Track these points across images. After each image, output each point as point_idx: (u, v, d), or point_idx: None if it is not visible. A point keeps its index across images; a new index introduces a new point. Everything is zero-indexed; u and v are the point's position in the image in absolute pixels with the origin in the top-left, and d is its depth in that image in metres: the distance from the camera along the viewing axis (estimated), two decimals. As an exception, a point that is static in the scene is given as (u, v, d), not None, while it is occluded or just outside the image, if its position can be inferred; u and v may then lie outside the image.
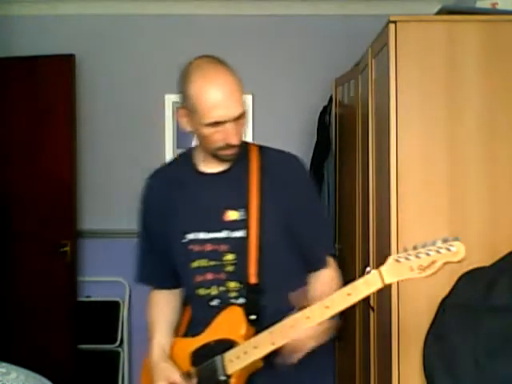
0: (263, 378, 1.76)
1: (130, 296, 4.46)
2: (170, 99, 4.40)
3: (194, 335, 1.86)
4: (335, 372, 1.97)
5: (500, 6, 2.52)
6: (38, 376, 1.82)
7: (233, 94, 1.71)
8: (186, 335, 1.93)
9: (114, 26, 4.50)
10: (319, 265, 1.85)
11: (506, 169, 2.35)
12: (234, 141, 1.73)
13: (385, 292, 2.40)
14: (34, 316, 4.25)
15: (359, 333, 3.12)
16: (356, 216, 3.16)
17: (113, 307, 4.47)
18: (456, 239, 1.47)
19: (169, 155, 4.40)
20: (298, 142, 4.34)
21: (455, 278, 2.28)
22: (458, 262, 1.48)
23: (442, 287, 2.28)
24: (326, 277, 1.84)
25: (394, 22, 2.34)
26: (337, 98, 3.92)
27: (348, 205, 3.45)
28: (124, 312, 4.42)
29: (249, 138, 4.36)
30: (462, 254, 1.47)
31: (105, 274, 4.42)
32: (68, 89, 4.26)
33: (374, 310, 2.74)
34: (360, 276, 1.61)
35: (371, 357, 2.79)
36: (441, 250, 1.47)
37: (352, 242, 3.27)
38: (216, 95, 1.69)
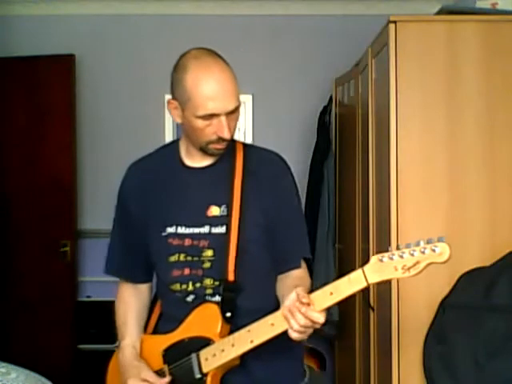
0: (236, 377, 1.75)
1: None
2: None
3: (165, 332, 1.82)
4: (305, 370, 1.94)
5: (500, 6, 2.52)
6: (38, 376, 1.82)
7: (229, 87, 1.70)
8: (155, 332, 1.90)
9: (114, 25, 4.50)
10: (291, 265, 1.80)
11: (506, 169, 2.35)
12: (227, 135, 1.71)
13: (385, 292, 2.40)
14: (34, 316, 4.26)
15: (359, 333, 3.12)
16: (356, 216, 3.15)
17: (113, 307, 4.46)
18: (440, 240, 1.46)
19: (169, 155, 4.40)
20: (298, 142, 4.34)
21: (455, 278, 2.28)
22: (443, 262, 1.46)
23: (442, 287, 2.28)
24: (296, 274, 1.79)
25: (394, 22, 2.34)
26: (337, 97, 3.92)
27: (348, 205, 3.45)
28: (124, 312, 4.42)
29: (249, 138, 4.41)
30: (447, 255, 1.45)
31: (105, 274, 4.41)
32: (68, 89, 4.26)
33: (373, 310, 2.75)
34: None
35: (371, 357, 2.79)
36: (425, 251, 1.45)
37: (352, 242, 3.27)
38: (212, 87, 1.67)
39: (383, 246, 2.46)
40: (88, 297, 4.48)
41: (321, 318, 1.52)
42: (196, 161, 1.82)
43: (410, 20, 2.41)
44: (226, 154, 1.81)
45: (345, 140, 3.65)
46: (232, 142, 1.83)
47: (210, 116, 1.69)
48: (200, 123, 1.70)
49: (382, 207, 2.55)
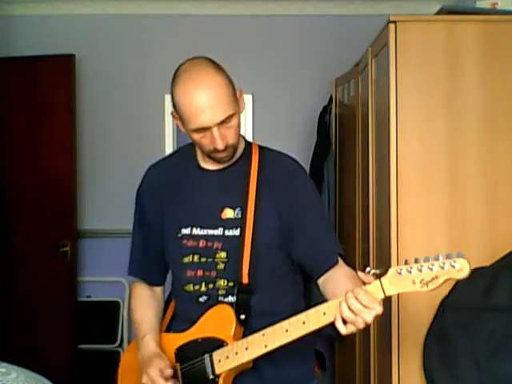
0: (247, 379, 1.75)
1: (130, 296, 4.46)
2: (170, 99, 4.40)
3: (178, 331, 1.84)
4: (315, 374, 1.96)
5: (500, 6, 2.52)
6: (38, 376, 1.82)
7: (216, 98, 1.67)
8: (168, 331, 1.92)
9: (114, 25, 4.50)
10: (329, 263, 1.77)
11: (506, 169, 2.35)
12: (220, 146, 1.70)
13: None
14: (34, 316, 4.26)
15: (359, 332, 3.12)
16: (356, 216, 3.15)
17: (113, 307, 4.47)
18: (459, 255, 1.44)
19: (169, 155, 4.41)
20: (298, 142, 4.34)
21: (455, 278, 2.28)
22: (463, 279, 1.45)
23: (442, 287, 2.27)
24: (342, 274, 1.74)
25: (394, 22, 2.34)
26: (337, 97, 3.92)
27: (348, 205, 3.45)
28: (124, 312, 4.43)
29: (249, 138, 4.39)
30: (467, 271, 1.44)
31: (105, 273, 4.42)
32: (68, 89, 4.26)
33: (373, 310, 2.74)
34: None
35: (371, 357, 2.79)
36: (444, 266, 1.44)
37: (352, 242, 3.27)
38: (198, 101, 1.66)
39: (383, 246, 2.47)
40: (88, 297, 4.49)
41: (375, 304, 1.46)
42: (211, 163, 1.83)
43: (410, 20, 2.41)
44: (242, 156, 1.83)
45: (345, 140, 3.65)
46: (248, 145, 1.85)
47: (202, 129, 1.69)
48: (195, 136, 1.72)
49: (381, 207, 2.55)
